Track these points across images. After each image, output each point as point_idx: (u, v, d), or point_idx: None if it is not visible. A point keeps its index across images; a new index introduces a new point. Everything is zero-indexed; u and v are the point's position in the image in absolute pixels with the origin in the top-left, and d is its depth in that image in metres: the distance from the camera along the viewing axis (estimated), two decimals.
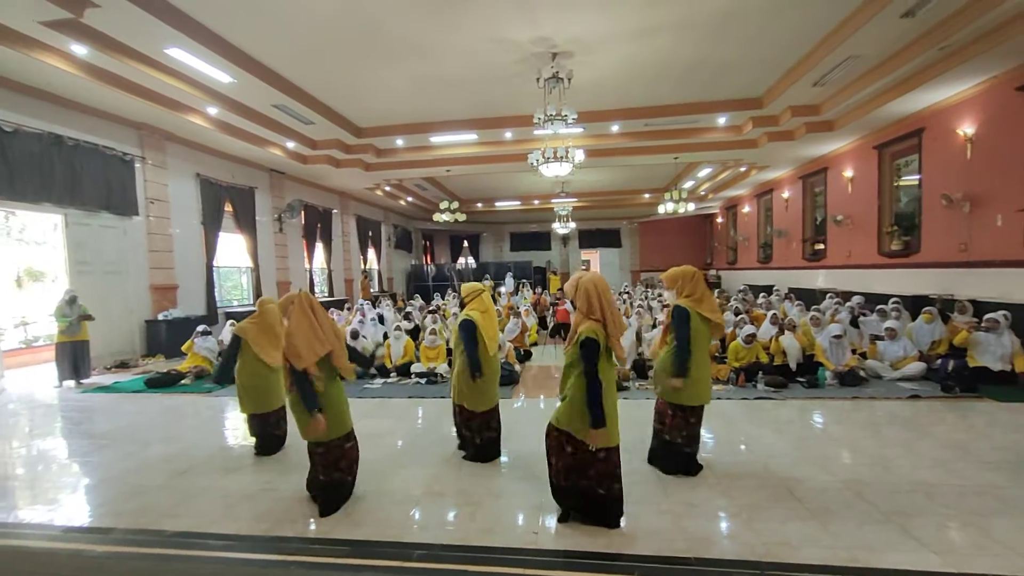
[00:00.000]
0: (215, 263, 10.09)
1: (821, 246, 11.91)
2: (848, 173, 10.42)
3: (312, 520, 2.87)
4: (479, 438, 3.70)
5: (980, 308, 6.43)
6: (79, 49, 5.80)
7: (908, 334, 6.39)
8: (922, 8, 5.41)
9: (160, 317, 8.62)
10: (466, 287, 3.85)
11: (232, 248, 10.95)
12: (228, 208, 10.45)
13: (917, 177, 8.52)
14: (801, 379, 5.74)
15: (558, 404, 2.76)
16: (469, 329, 3.55)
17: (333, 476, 2.97)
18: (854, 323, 6.89)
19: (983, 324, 5.71)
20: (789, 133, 9.69)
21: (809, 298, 10.02)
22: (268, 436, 4.02)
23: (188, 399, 5.91)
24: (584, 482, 2.68)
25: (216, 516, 2.96)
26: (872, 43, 6.31)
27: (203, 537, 2.71)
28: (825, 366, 5.77)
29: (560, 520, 2.76)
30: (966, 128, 7.28)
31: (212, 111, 8.03)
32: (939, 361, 5.76)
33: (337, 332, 2.98)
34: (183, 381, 6.62)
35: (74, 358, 6.65)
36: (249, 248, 11.08)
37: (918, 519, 2.72)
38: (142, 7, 5.14)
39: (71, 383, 6.63)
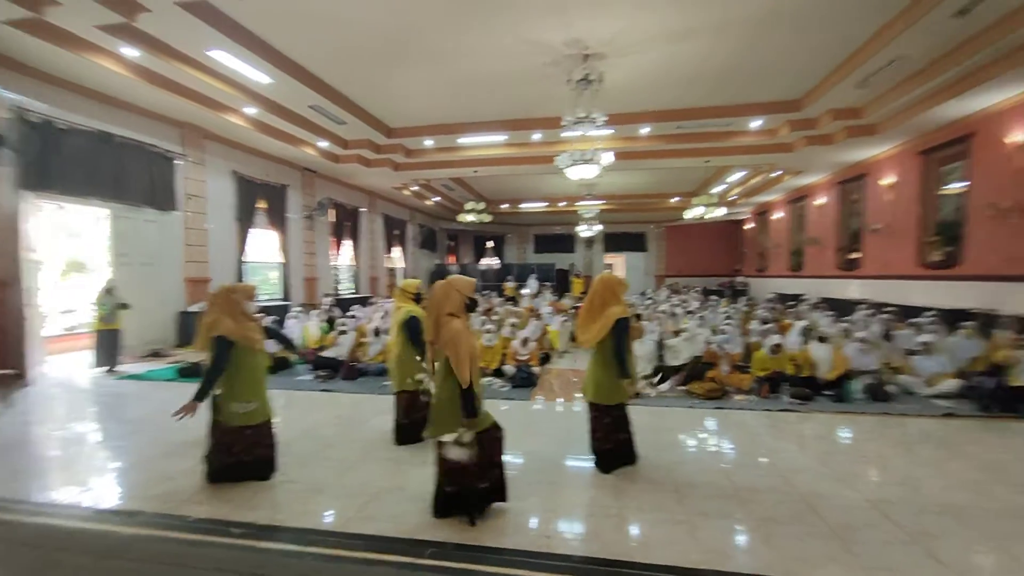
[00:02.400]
0: (246, 258, 10.41)
1: (856, 255, 11.48)
2: (888, 180, 10.02)
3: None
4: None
5: None
6: (130, 51, 6.08)
7: (945, 349, 6.11)
8: (977, 5, 5.12)
9: (193, 309, 8.94)
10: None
11: (263, 244, 11.27)
12: (261, 205, 10.77)
13: (963, 185, 8.12)
14: (829, 392, 5.56)
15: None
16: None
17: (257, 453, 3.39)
18: (887, 336, 6.63)
19: None
20: (828, 137, 9.38)
21: (842, 308, 9.67)
22: None
23: None
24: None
25: (238, 503, 3.05)
26: (921, 43, 6.01)
27: (225, 524, 2.79)
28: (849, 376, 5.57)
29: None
30: (1020, 135, 6.90)
31: (250, 111, 8.30)
32: (977, 379, 5.47)
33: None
34: None
35: (109, 346, 6.95)
36: (280, 244, 11.40)
37: (944, 541, 2.61)
38: (188, 11, 5.36)
39: (104, 370, 6.91)
